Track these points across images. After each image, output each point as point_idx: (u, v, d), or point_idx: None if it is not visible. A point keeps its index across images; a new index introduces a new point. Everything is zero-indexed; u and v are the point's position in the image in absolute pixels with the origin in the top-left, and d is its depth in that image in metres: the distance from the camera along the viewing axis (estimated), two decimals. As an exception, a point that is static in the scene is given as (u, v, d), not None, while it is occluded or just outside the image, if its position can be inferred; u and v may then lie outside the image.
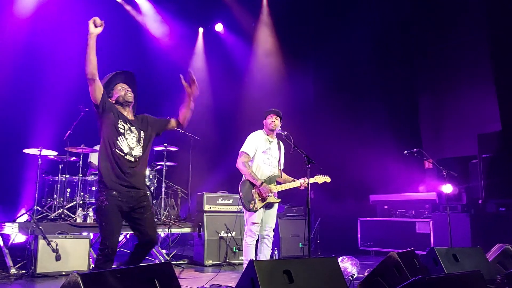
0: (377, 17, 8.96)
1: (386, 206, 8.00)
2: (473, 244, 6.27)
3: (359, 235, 8.03)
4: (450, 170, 5.82)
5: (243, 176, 4.58)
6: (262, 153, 4.58)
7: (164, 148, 6.96)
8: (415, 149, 5.77)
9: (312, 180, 4.56)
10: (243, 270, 3.02)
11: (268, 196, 4.46)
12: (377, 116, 8.94)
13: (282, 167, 4.84)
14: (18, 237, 5.56)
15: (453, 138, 8.15)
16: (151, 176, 6.90)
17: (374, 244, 7.78)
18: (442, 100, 8.39)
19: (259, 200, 4.45)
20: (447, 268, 4.16)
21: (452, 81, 8.22)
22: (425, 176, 8.20)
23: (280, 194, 4.73)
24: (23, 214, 6.35)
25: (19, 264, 5.07)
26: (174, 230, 6.43)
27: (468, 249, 4.74)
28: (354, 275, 4.64)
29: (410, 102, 8.81)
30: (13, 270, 4.93)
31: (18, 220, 6.08)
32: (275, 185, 4.56)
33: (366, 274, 4.35)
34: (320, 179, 4.65)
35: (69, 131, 6.27)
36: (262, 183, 4.44)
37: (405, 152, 5.86)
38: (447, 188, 6.01)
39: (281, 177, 4.74)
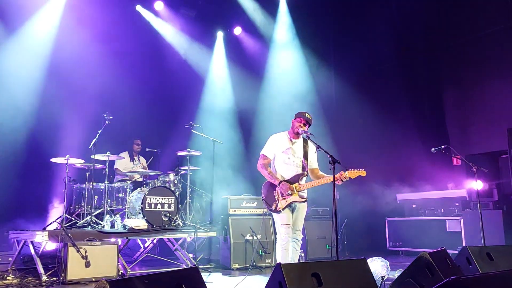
0: (399, 11, 8.79)
1: (414, 205, 7.83)
2: (507, 242, 6.06)
3: (387, 236, 7.88)
4: (480, 166, 5.63)
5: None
6: (282, 153, 4.54)
7: (187, 153, 7.00)
8: (443, 146, 5.60)
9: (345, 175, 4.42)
10: (271, 273, 2.98)
11: (288, 195, 4.39)
12: (401, 113, 8.76)
13: (315, 166, 4.68)
14: (49, 245, 5.67)
15: (481, 133, 7.90)
16: (175, 181, 6.95)
17: (403, 244, 7.61)
18: (469, 94, 8.15)
19: (281, 200, 4.41)
20: (481, 268, 4.02)
21: (478, 74, 7.97)
22: (453, 173, 7.98)
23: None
24: (53, 222, 6.48)
25: (50, 272, 5.17)
26: (200, 234, 6.45)
27: (502, 247, 4.59)
28: (384, 276, 4.54)
29: (435, 97, 8.60)
30: (44, 278, 5.03)
31: (48, 228, 6.20)
32: (299, 184, 4.48)
33: (396, 275, 4.25)
34: (353, 173, 4.29)
35: (94, 139, 6.38)
36: (280, 182, 4.40)
37: (433, 149, 5.69)
38: (478, 185, 5.82)
39: (306, 175, 4.63)
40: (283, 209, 4.39)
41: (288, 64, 9.66)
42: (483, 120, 7.88)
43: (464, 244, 6.53)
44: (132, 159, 7.63)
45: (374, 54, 9.04)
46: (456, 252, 4.52)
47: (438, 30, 8.43)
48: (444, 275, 3.44)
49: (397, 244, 7.71)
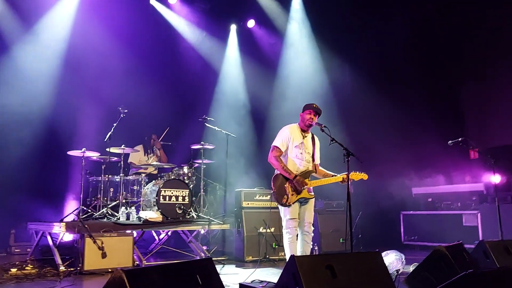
0: (415, 2, 8.61)
1: (430, 199, 7.73)
2: (526, 237, 5.93)
3: (402, 230, 7.81)
4: (498, 159, 5.52)
5: (275, 170, 4.53)
6: (295, 148, 4.50)
7: (201, 146, 7.03)
8: (460, 138, 5.51)
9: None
10: (285, 266, 2.97)
11: (302, 189, 4.38)
12: (417, 105, 8.62)
13: (319, 162, 4.73)
14: (66, 236, 5.79)
15: (500, 125, 7.75)
16: (189, 174, 6.99)
17: (418, 238, 7.54)
18: (487, 86, 7.99)
19: (292, 194, 4.38)
20: (499, 262, 3.95)
21: (497, 66, 7.80)
22: (470, 166, 7.86)
23: (320, 189, 4.64)
24: (70, 213, 6.59)
25: (67, 262, 5.27)
26: (213, 227, 6.48)
27: (521, 242, 4.48)
28: (399, 270, 4.49)
29: (453, 90, 8.45)
30: (62, 268, 5.12)
31: (65, 219, 6.31)
32: (309, 180, 4.48)
33: (411, 269, 4.21)
34: (356, 175, 4.42)
35: (109, 133, 6.45)
36: (295, 176, 4.37)
37: (450, 142, 5.60)
38: (496, 178, 5.71)
39: (315, 172, 4.64)
40: (293, 203, 4.39)
41: (301, 57, 9.58)
42: (502, 113, 7.72)
43: (481, 238, 6.44)
44: (146, 152, 7.69)
45: (391, 44, 8.89)
46: (473, 247, 4.45)
47: (456, 22, 8.26)
48: (460, 269, 3.39)
49: (413, 238, 7.63)
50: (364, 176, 4.46)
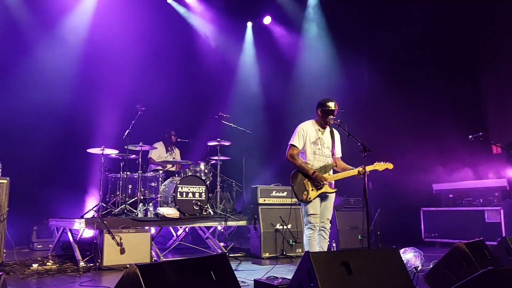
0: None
1: (451, 195, 7.57)
2: (551, 234, 5.76)
3: (422, 226, 7.67)
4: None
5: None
6: (311, 144, 4.47)
7: (217, 143, 7.04)
8: (480, 133, 5.37)
9: (371, 168, 4.33)
10: (299, 262, 2.95)
11: (322, 185, 4.34)
12: (437, 100, 8.44)
13: (340, 155, 4.67)
14: (86, 232, 5.89)
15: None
16: (206, 171, 7.02)
17: (439, 235, 7.39)
18: (509, 79, 7.74)
19: (312, 190, 4.35)
20: (522, 259, 3.84)
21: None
22: (492, 161, 7.65)
23: (337, 185, 4.59)
24: (90, 210, 6.70)
25: (87, 258, 5.36)
26: (230, 223, 6.49)
27: (545, 239, 4.34)
28: (418, 267, 4.41)
29: (473, 84, 8.22)
30: (82, 264, 5.22)
31: (85, 216, 6.42)
32: (329, 175, 4.43)
33: (431, 266, 4.12)
34: (380, 166, 4.37)
35: (128, 130, 6.52)
36: (314, 172, 4.34)
37: (470, 136, 5.48)
38: (519, 174, 5.55)
39: (336, 166, 4.59)
40: (313, 198, 4.36)
41: (318, 53, 9.50)
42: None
43: (504, 235, 6.27)
44: (167, 150, 7.75)
45: (409, 40, 8.71)
46: (495, 243, 4.33)
47: (476, 14, 8.03)
48: (481, 266, 3.30)
49: (433, 235, 7.49)
50: (390, 166, 4.39)
